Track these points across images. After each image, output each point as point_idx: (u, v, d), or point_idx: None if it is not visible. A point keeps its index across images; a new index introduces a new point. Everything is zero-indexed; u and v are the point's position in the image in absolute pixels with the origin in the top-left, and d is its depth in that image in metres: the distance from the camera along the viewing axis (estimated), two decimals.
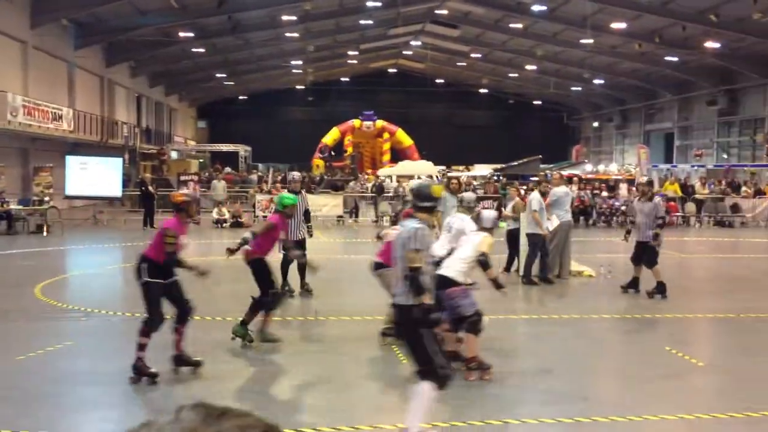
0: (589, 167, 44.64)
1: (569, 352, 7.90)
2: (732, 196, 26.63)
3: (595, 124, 57.48)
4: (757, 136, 37.43)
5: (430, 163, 38.74)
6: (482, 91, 57.63)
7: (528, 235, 11.92)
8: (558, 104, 58.31)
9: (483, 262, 6.65)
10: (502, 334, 8.85)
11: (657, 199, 11.27)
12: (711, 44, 32.31)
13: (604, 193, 25.05)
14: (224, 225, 22.54)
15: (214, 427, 0.86)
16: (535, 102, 58.01)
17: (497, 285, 6.79)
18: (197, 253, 17.69)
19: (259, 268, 7.71)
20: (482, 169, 39.51)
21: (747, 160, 37.87)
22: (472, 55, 46.60)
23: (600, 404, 6.03)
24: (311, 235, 11.00)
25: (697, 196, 25.79)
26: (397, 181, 30.59)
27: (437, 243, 6.92)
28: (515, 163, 38.09)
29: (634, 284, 10.81)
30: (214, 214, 23.04)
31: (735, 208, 25.50)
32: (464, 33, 41.40)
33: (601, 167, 45.95)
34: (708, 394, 6.56)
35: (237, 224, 22.37)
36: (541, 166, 36.69)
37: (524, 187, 18.39)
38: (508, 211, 13.65)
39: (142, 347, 6.27)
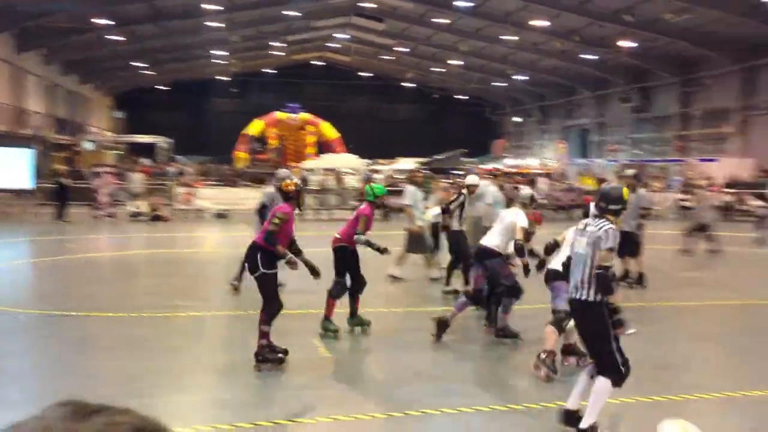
0: (510, 161, 45.58)
1: (483, 342, 8.04)
2: (643, 189, 27.66)
3: (517, 119, 58.75)
4: (667, 132, 39.10)
5: (355, 157, 38.72)
6: (407, 85, 58.02)
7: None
8: (481, 99, 59.31)
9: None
10: (414, 327, 8.95)
11: (641, 191, 11.67)
12: (626, 43, 33.52)
13: (525, 187, 25.60)
14: (141, 218, 21.92)
15: (80, 424, 0.81)
16: (458, 96, 58.83)
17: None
18: (113, 248, 17.18)
19: (344, 257, 7.85)
20: (407, 163, 39.74)
21: (658, 155, 39.52)
22: (398, 49, 46.85)
23: (515, 392, 6.15)
24: None
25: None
26: (323, 175, 30.41)
27: (490, 232, 7.72)
28: (439, 157, 38.52)
29: (625, 277, 10.93)
30: (131, 208, 22.38)
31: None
32: (390, 27, 41.57)
33: (522, 161, 47.01)
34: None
35: (156, 218, 21.79)
36: (464, 160, 37.25)
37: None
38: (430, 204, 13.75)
39: (264, 335, 6.45)
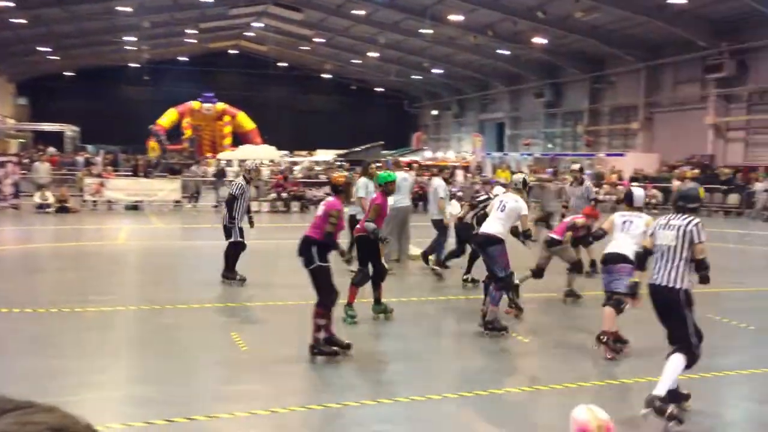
0: (428, 154, 46.11)
1: (405, 333, 8.11)
2: (555, 182, 28.52)
3: (434, 112, 59.42)
4: (577, 127, 40.46)
5: (273, 148, 38.31)
6: (325, 76, 57.69)
7: (432, 221, 11.96)
8: (399, 92, 59.68)
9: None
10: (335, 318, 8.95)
11: (587, 183, 12.01)
12: (538, 40, 34.40)
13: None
14: (48, 210, 21.00)
15: None
16: (377, 89, 58.99)
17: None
18: (18, 241, 16.37)
19: (363, 245, 8.10)
20: (325, 155, 39.63)
21: (569, 149, 40.84)
22: (315, 40, 46.50)
23: (436, 381, 6.24)
24: (252, 225, 10.76)
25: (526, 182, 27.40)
26: (239, 166, 29.90)
27: (490, 220, 7.95)
28: (358, 149, 38.55)
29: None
30: (37, 199, 21.40)
31: (559, 193, 27.33)
32: (307, 17, 41.19)
33: (440, 154, 47.63)
34: (527, 368, 6.98)
35: (63, 209, 20.93)
36: (383, 152, 37.43)
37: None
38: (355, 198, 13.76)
39: (319, 328, 6.56)
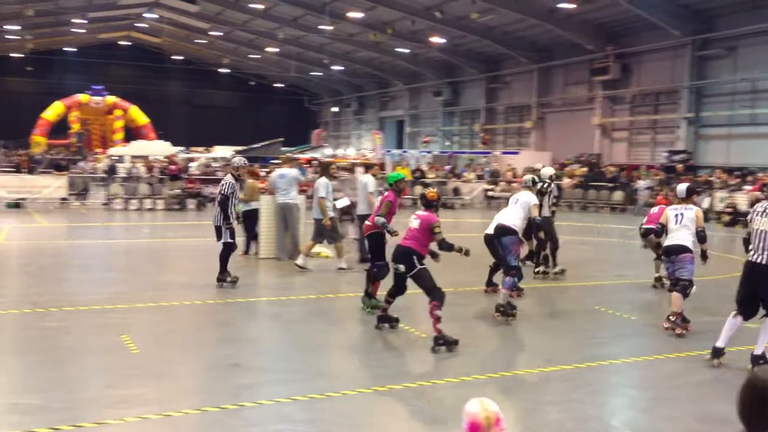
0: (328, 151, 46.02)
1: (307, 330, 8.06)
2: (453, 180, 29.22)
3: (335, 109, 59.39)
4: (474, 125, 41.46)
5: (168, 144, 37.16)
6: (223, 71, 56.52)
7: (358, 216, 12.04)
8: (299, 88, 59.24)
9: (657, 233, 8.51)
10: (232, 318, 8.79)
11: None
12: (437, 39, 35.01)
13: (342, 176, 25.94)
14: None
15: None
16: (277, 85, 58.32)
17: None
18: None
19: (377, 241, 8.53)
20: (223, 151, 38.78)
21: (467, 147, 41.80)
22: (212, 33, 45.44)
23: (332, 380, 6.21)
24: (239, 222, 10.79)
25: (425, 179, 27.85)
26: (131, 162, 28.84)
27: (505, 213, 8.88)
28: (257, 146, 37.99)
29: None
30: None
31: (456, 191, 28.04)
32: (204, 9, 40.16)
33: (340, 151, 47.64)
34: (428, 363, 7.07)
35: None
36: (282, 149, 37.05)
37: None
38: (241, 193, 13.63)
39: (439, 319, 7.08)
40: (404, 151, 42.76)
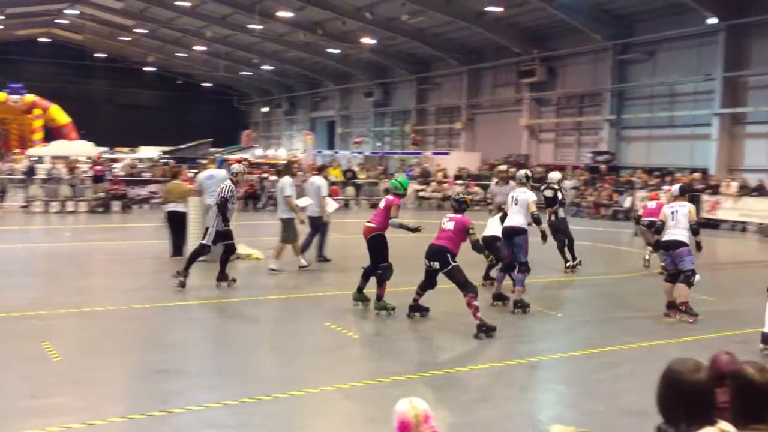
0: (259, 152, 45.53)
1: (237, 334, 7.95)
2: (385, 180, 29.26)
3: (265, 110, 58.80)
4: (405, 126, 41.77)
5: (90, 144, 36.07)
6: (149, 69, 55.14)
7: (309, 218, 12.34)
8: (229, 88, 58.40)
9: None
10: (160, 323, 8.61)
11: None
12: (367, 40, 35.11)
13: (273, 177, 25.72)
14: None
15: None
16: (205, 84, 57.31)
17: None
18: None
19: (380, 243, 8.90)
20: (149, 152, 37.84)
21: (398, 148, 42.07)
22: (137, 31, 44.28)
23: (264, 383, 6.16)
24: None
25: (356, 180, 27.89)
26: (52, 163, 27.81)
27: (511, 215, 9.46)
28: (184, 146, 37.23)
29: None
30: None
31: (387, 191, 28.06)
32: (128, 6, 39.12)
33: (271, 152, 47.20)
34: (360, 363, 7.11)
35: None
36: (211, 149, 36.45)
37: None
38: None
39: (478, 309, 7.83)
40: (336, 152, 42.74)
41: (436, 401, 5.53)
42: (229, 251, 10.45)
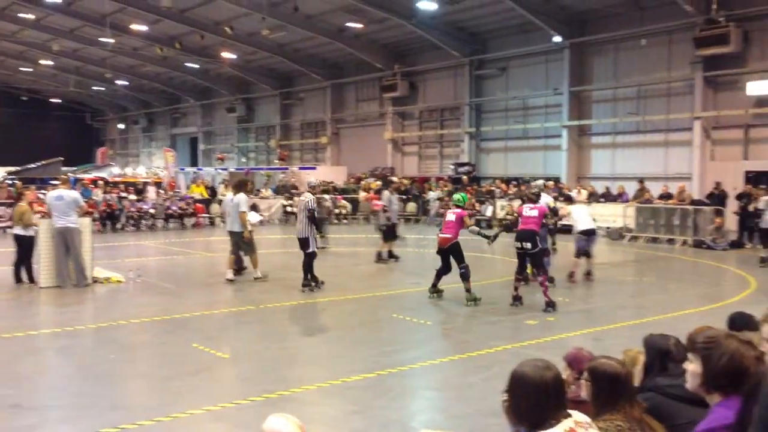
0: (116, 170, 43.45)
1: (97, 362, 7.50)
2: (251, 197, 28.76)
3: (121, 126, 56.33)
4: (270, 141, 41.37)
5: None
6: None
7: (230, 233, 12.84)
8: (81, 104, 55.49)
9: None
10: (10, 354, 8.00)
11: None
12: (228, 55, 34.51)
13: (132, 196, 24.65)
14: None
15: None
16: (54, 100, 54.07)
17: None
18: None
19: (458, 249, 10.68)
20: None
21: (263, 163, 41.57)
22: None
23: (129, 410, 5.84)
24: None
25: (220, 197, 27.21)
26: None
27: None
28: (33, 166, 34.86)
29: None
30: None
31: (254, 207, 27.63)
32: None
33: (129, 170, 45.17)
34: (231, 383, 6.91)
35: None
36: (63, 168, 34.38)
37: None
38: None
39: (548, 288, 10.10)
40: (199, 169, 41.57)
41: (308, 416, 5.47)
42: (312, 257, 11.72)
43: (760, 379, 1.06)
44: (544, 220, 10.62)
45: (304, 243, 11.63)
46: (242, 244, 12.70)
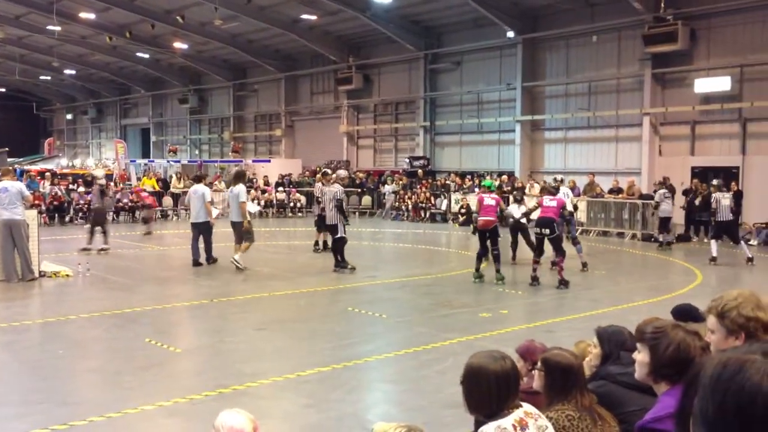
0: (64, 161, 42.39)
1: (45, 357, 7.33)
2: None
3: (69, 117, 54.95)
4: (224, 133, 40.87)
5: None
6: None
7: (194, 224, 13.67)
8: (27, 93, 53.90)
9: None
10: None
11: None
12: (179, 45, 33.93)
13: (81, 189, 24.06)
14: None
15: None
16: None
17: None
18: None
19: (497, 231, 11.79)
20: None
21: (216, 156, 41.06)
22: None
23: (79, 406, 5.73)
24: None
25: (173, 190, 26.82)
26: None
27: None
28: None
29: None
30: None
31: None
32: None
33: (78, 162, 44.15)
34: (184, 378, 6.84)
35: None
36: (9, 159, 33.41)
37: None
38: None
39: (563, 269, 11.38)
40: (150, 161, 40.85)
41: (263, 410, 5.44)
42: (343, 242, 12.70)
43: (699, 369, 1.10)
44: (561, 210, 11.89)
45: (333, 229, 12.79)
46: (237, 232, 13.23)
